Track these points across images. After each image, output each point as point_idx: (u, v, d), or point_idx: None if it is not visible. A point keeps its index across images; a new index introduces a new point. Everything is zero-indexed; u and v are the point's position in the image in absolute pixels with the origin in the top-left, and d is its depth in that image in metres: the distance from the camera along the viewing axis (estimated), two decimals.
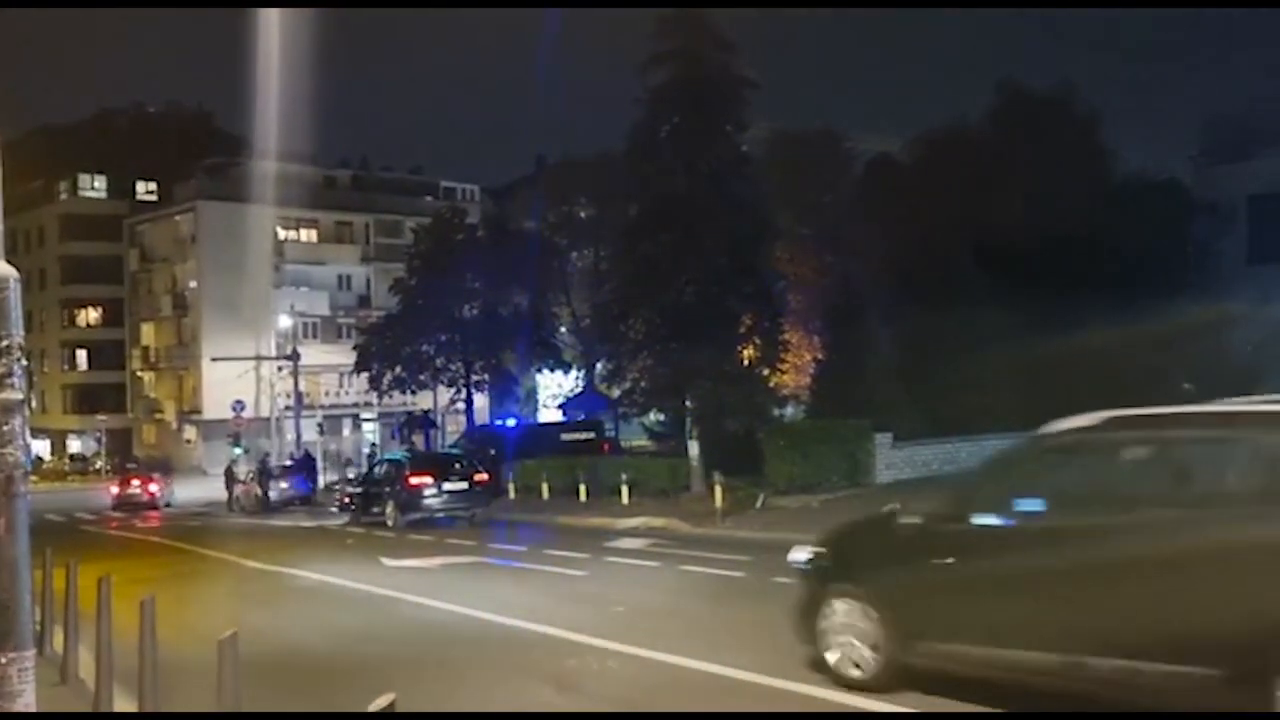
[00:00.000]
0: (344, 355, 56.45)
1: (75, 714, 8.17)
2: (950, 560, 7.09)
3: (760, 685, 8.15)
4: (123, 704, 7.75)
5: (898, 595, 7.41)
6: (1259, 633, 5.48)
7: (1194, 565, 5.84)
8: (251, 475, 39.98)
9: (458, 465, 26.26)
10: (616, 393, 39.92)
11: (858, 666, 7.63)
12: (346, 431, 70.13)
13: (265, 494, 37.64)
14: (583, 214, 52.62)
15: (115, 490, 42.66)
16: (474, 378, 46.29)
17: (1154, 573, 5.98)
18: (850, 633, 7.66)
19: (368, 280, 74.34)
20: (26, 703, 4.17)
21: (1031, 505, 6.84)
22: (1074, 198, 32.02)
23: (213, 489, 43.96)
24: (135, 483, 43.24)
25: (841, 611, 7.73)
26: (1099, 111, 35.19)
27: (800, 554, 8.41)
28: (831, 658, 7.83)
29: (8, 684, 4.04)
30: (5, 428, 4.00)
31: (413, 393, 47.65)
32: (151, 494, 42.25)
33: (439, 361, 45.67)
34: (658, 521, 21.94)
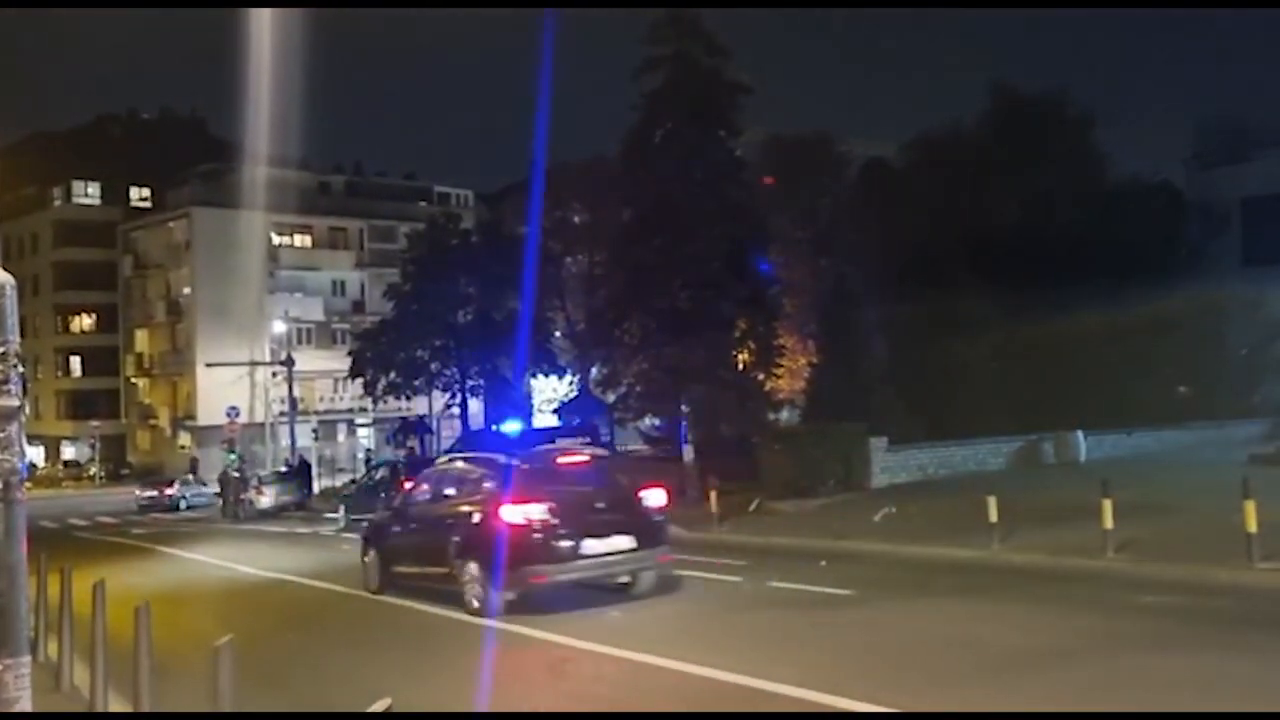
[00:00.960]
0: (338, 361, 56.40)
1: (72, 714, 8.19)
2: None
3: (756, 689, 8.16)
4: (118, 708, 7.75)
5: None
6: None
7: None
8: (237, 480, 39.89)
9: None
10: (611, 397, 39.89)
11: None
12: (341, 437, 70.04)
13: (237, 500, 37.86)
14: (577, 218, 52.62)
15: (139, 493, 47.34)
16: (469, 383, 46.26)
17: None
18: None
19: (362, 286, 74.27)
20: (22, 709, 4.17)
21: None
22: (1068, 201, 32.12)
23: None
24: (154, 489, 47.96)
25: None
26: (1092, 115, 35.29)
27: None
28: None
29: (4, 690, 4.04)
30: (1, 434, 4.00)
31: (407, 398, 47.61)
32: (168, 496, 46.69)
33: (433, 367, 45.65)
34: None
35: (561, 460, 13.90)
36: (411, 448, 47.06)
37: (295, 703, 8.80)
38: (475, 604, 12.22)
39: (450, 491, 13.92)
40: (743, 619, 11.53)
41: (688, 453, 29.65)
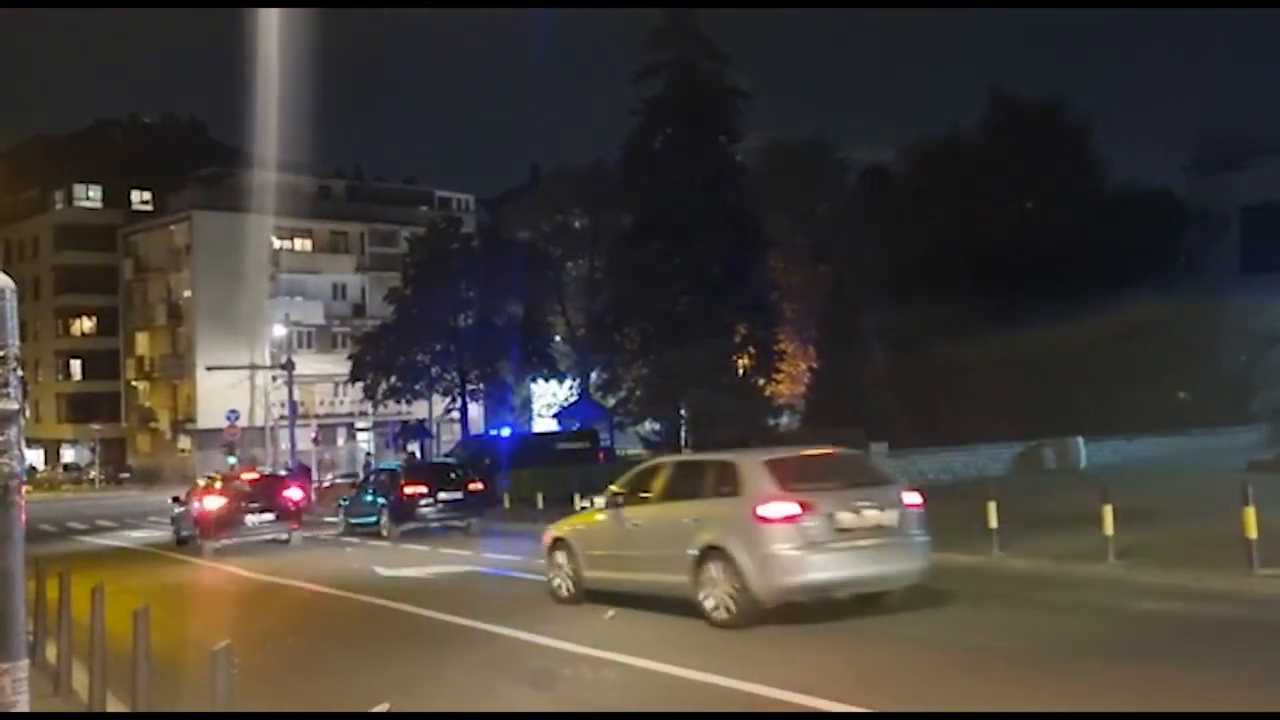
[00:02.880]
0: (339, 365, 56.41)
1: (70, 714, 8.19)
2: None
3: (752, 694, 8.15)
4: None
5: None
6: None
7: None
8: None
9: (452, 475, 26.16)
10: (611, 401, 39.93)
11: None
12: (341, 441, 70.02)
13: None
14: (577, 223, 52.66)
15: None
16: (469, 387, 46.27)
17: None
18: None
19: (363, 290, 74.30)
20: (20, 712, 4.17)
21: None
22: (1066, 208, 32.15)
23: None
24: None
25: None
26: (1091, 121, 35.36)
27: None
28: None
29: (1, 695, 4.03)
30: (1, 438, 4.00)
31: (408, 402, 47.61)
32: None
33: (434, 371, 45.65)
34: None
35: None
36: (411, 452, 47.06)
37: (293, 707, 8.79)
38: (384, 533, 23.69)
39: None
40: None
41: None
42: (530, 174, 69.06)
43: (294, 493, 25.65)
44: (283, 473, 41.94)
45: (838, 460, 12.33)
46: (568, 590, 12.99)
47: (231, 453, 46.51)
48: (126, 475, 70.98)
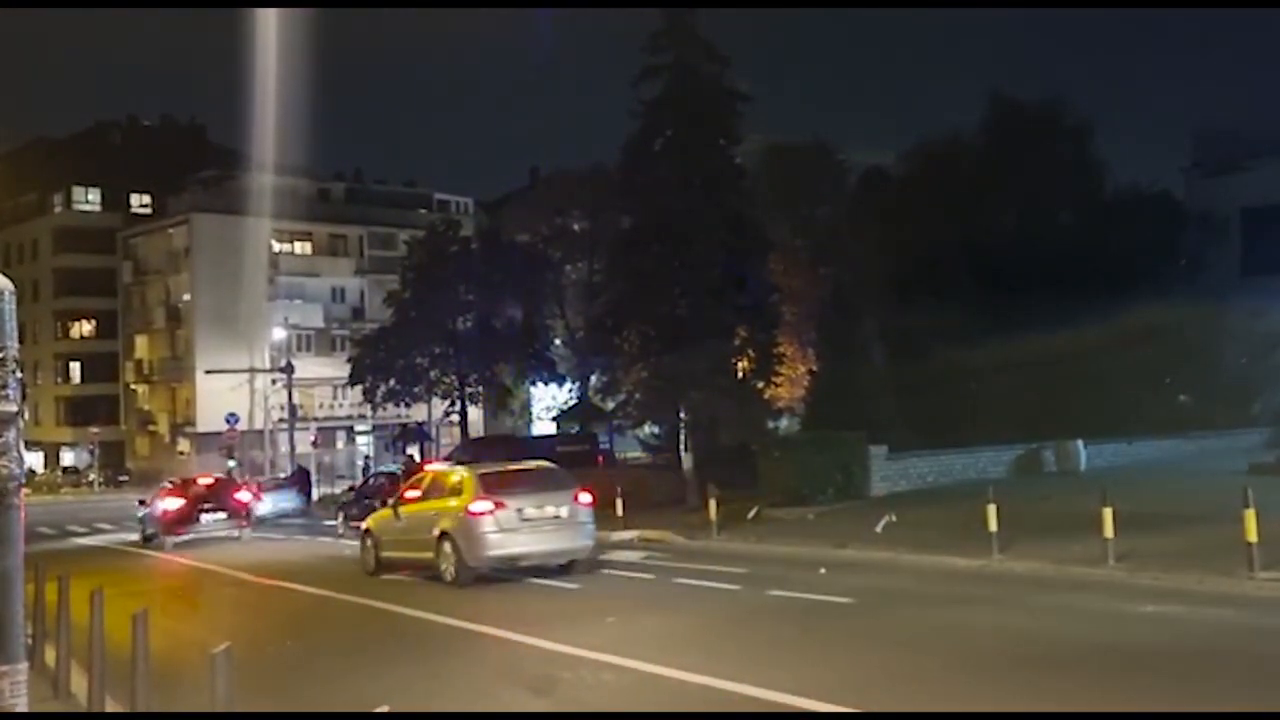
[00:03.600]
0: (338, 368, 56.38)
1: (70, 714, 8.18)
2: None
3: (754, 698, 8.14)
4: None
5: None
6: None
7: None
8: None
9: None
10: (611, 404, 39.88)
11: None
12: (341, 444, 69.99)
13: None
14: (576, 226, 52.63)
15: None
16: (468, 390, 46.25)
17: None
18: None
19: (362, 293, 74.28)
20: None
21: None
22: (1066, 210, 32.14)
23: None
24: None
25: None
26: (1091, 123, 35.29)
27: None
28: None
29: (0, 697, 4.02)
30: (0, 440, 3.99)
31: (407, 405, 47.57)
32: None
33: (433, 374, 45.61)
34: (652, 534, 21.89)
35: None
36: (410, 455, 47.03)
37: (292, 709, 8.77)
38: None
39: None
40: (741, 627, 11.51)
41: (687, 461, 29.62)
42: (529, 177, 69.06)
43: (243, 495, 29.53)
44: (282, 474, 42.33)
45: (533, 472, 17.32)
46: (373, 564, 17.96)
47: (231, 456, 46.49)
48: (125, 478, 70.93)
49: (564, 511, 16.13)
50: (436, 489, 17.27)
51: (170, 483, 30.27)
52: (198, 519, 26.93)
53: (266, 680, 9.47)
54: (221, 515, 27.36)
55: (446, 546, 15.91)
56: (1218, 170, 36.63)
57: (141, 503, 30.24)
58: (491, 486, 16.05)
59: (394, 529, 17.64)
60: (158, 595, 17.68)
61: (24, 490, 4.35)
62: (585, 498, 16.55)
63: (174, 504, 27.20)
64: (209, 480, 30.44)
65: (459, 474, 17.16)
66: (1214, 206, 35.27)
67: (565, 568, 16.22)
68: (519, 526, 15.74)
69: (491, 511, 15.59)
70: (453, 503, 16.25)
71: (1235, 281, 32.83)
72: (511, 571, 15.80)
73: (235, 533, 27.41)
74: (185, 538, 26.49)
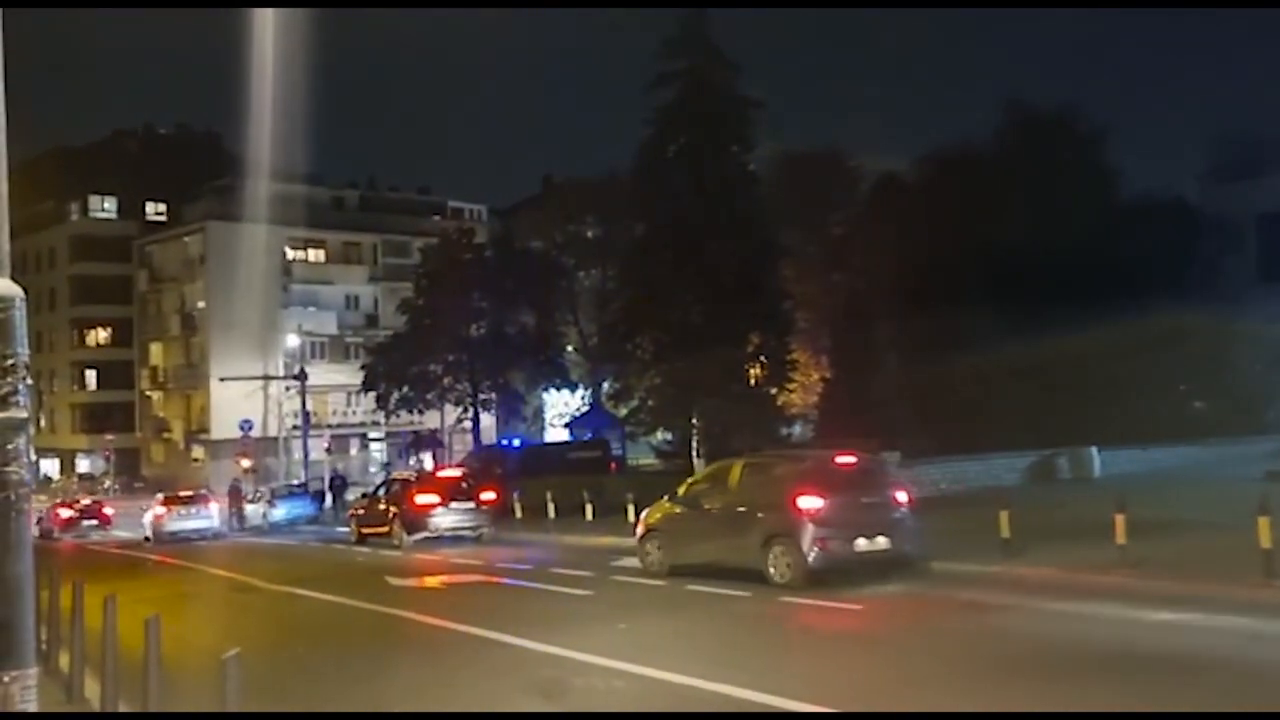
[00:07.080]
0: (351, 375, 56.52)
1: (77, 714, 8.21)
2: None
3: (763, 704, 8.13)
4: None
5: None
6: None
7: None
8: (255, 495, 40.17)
9: (464, 484, 26.16)
10: (623, 411, 39.91)
11: None
12: (354, 451, 70.14)
13: (240, 514, 38.31)
14: (589, 233, 52.70)
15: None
16: (481, 397, 46.33)
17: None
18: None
19: (375, 300, 74.46)
20: None
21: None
22: (1080, 217, 32.01)
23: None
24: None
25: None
26: (1105, 130, 35.25)
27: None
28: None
29: (9, 702, 4.03)
30: (9, 446, 4.00)
31: (420, 412, 47.68)
32: None
33: (446, 381, 45.72)
34: None
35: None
36: (421, 462, 47.10)
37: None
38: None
39: None
40: (753, 634, 11.48)
41: (699, 467, 29.61)
42: (543, 184, 69.18)
43: (214, 504, 36.14)
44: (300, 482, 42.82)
45: (457, 477, 25.48)
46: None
47: (247, 458, 46.69)
48: (140, 485, 71.18)
49: (471, 504, 24.78)
50: (391, 488, 24.88)
51: (165, 495, 35.86)
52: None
53: (276, 685, 9.49)
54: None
55: (397, 526, 21.03)
56: (1234, 176, 36.47)
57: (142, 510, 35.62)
58: (427, 486, 22.38)
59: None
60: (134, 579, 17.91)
61: (39, 497, 4.38)
62: (488, 495, 22.77)
63: (160, 511, 33.62)
64: (189, 493, 36.47)
65: (406, 478, 22.78)
66: (1230, 213, 35.11)
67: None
68: (446, 513, 23.88)
69: (432, 505, 22.95)
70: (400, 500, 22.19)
71: (1251, 288, 32.66)
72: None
73: (210, 534, 33.49)
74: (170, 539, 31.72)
